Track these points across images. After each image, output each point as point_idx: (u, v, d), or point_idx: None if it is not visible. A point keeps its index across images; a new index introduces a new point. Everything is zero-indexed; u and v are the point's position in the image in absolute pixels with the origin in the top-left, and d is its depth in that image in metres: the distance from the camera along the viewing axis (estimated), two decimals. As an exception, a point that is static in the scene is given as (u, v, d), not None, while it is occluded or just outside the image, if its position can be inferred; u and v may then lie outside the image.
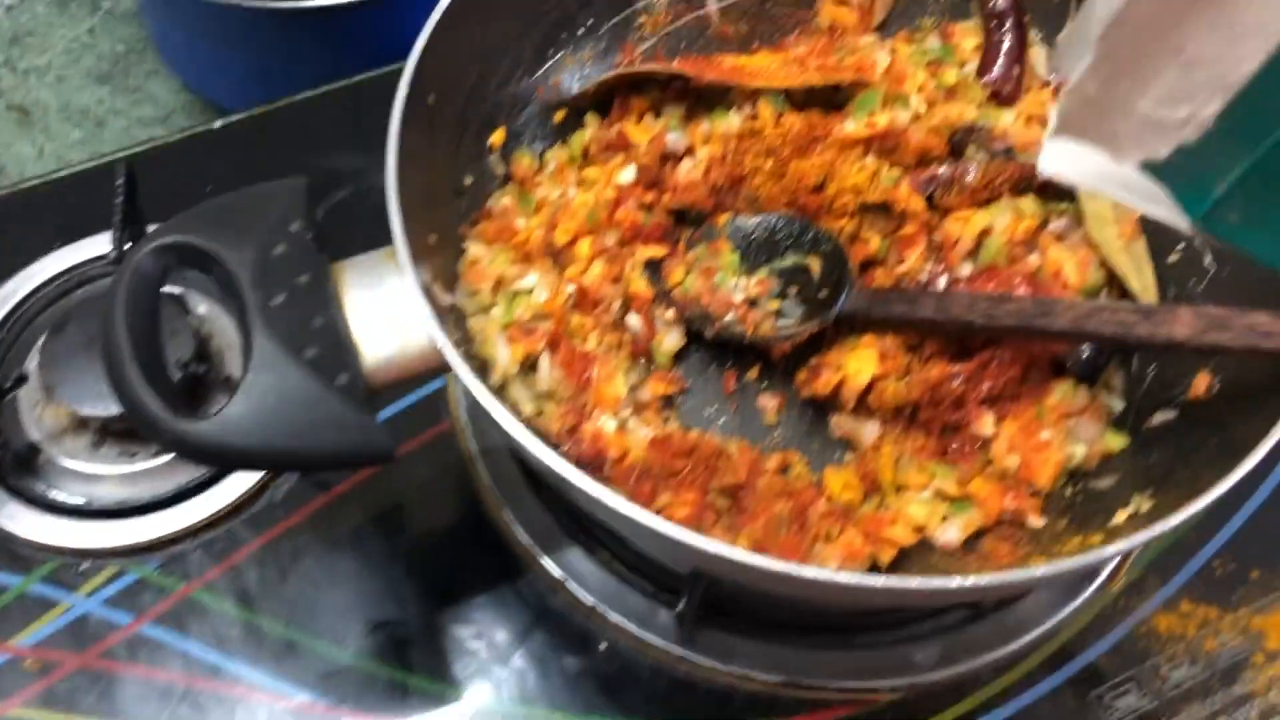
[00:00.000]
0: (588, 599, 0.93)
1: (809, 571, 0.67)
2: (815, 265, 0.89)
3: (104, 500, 0.95)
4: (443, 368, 0.75)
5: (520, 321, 0.86)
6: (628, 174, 0.94)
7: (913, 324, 0.85)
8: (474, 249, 0.89)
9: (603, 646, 0.92)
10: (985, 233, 0.89)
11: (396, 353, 0.75)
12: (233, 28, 1.30)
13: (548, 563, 0.94)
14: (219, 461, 0.69)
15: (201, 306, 1.01)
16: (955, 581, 0.68)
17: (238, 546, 0.95)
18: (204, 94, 1.43)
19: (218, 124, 1.16)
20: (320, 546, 0.96)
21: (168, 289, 0.99)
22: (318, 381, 0.70)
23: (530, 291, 0.87)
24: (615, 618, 0.92)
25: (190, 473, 0.95)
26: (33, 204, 1.12)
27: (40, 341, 0.97)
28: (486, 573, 0.95)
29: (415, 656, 0.92)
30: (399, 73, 0.83)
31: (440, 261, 0.85)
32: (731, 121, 0.94)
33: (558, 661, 0.92)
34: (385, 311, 0.75)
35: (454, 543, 0.97)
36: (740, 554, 0.67)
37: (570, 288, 0.88)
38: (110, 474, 0.95)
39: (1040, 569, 0.70)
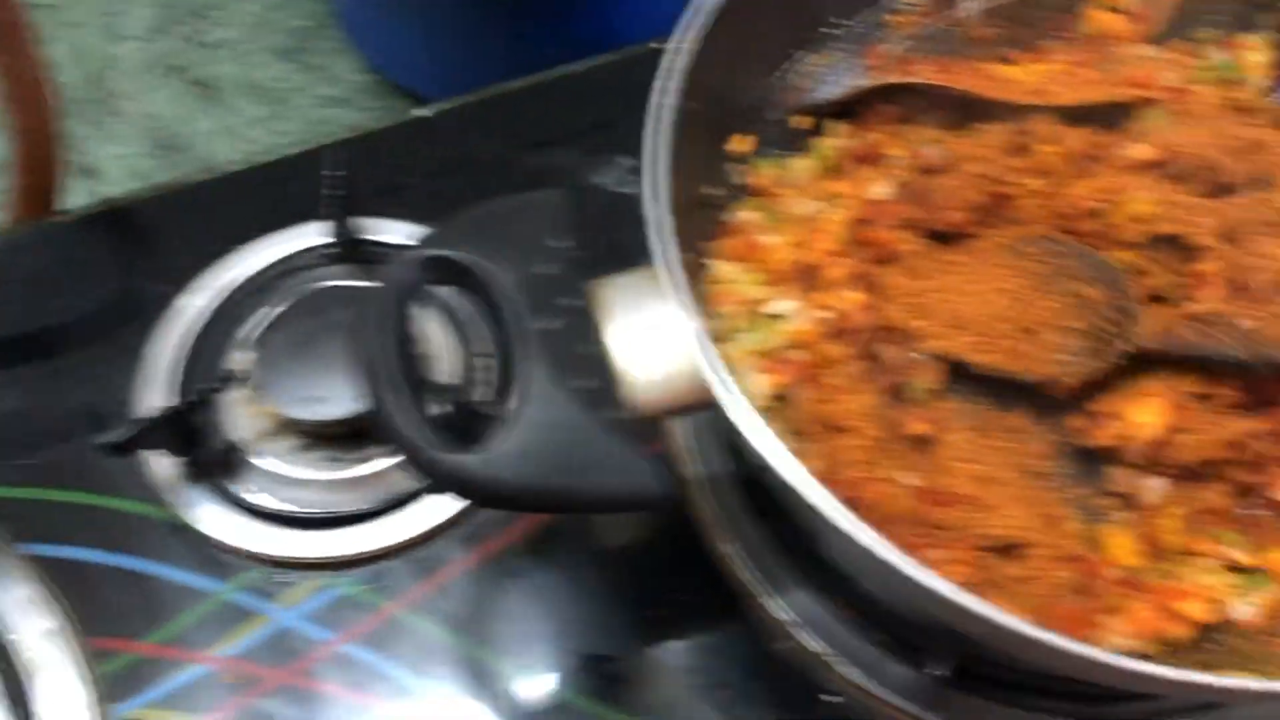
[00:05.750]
0: (815, 647, 0.86)
1: (1124, 663, 0.60)
2: (1095, 294, 0.80)
3: (307, 508, 0.91)
4: (708, 403, 0.68)
5: (773, 350, 0.79)
6: (879, 189, 0.87)
7: (1212, 363, 0.76)
8: (720, 267, 0.83)
9: (829, 701, 0.86)
10: (1298, 270, 0.80)
11: (659, 385, 0.69)
12: (425, 7, 1.25)
13: (772, 604, 0.87)
14: (491, 501, 0.64)
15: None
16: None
17: (445, 565, 0.90)
18: (388, 75, 1.39)
19: (427, 112, 1.10)
20: (529, 569, 0.91)
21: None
22: (591, 416, 0.64)
23: (784, 317, 0.80)
24: (845, 671, 0.85)
25: (399, 484, 0.90)
26: (232, 190, 1.08)
27: (246, 337, 0.93)
28: (704, 610, 0.89)
29: (627, 695, 0.87)
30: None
31: (691, 281, 0.79)
32: (999, 136, 0.86)
33: (779, 714, 0.86)
34: (648, 339, 0.69)
35: (673, 574, 0.90)
36: (1038, 633, 0.61)
37: (826, 314, 0.81)
38: (315, 480, 0.91)
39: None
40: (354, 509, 0.90)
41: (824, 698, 0.86)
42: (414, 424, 0.62)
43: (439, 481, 0.62)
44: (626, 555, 0.91)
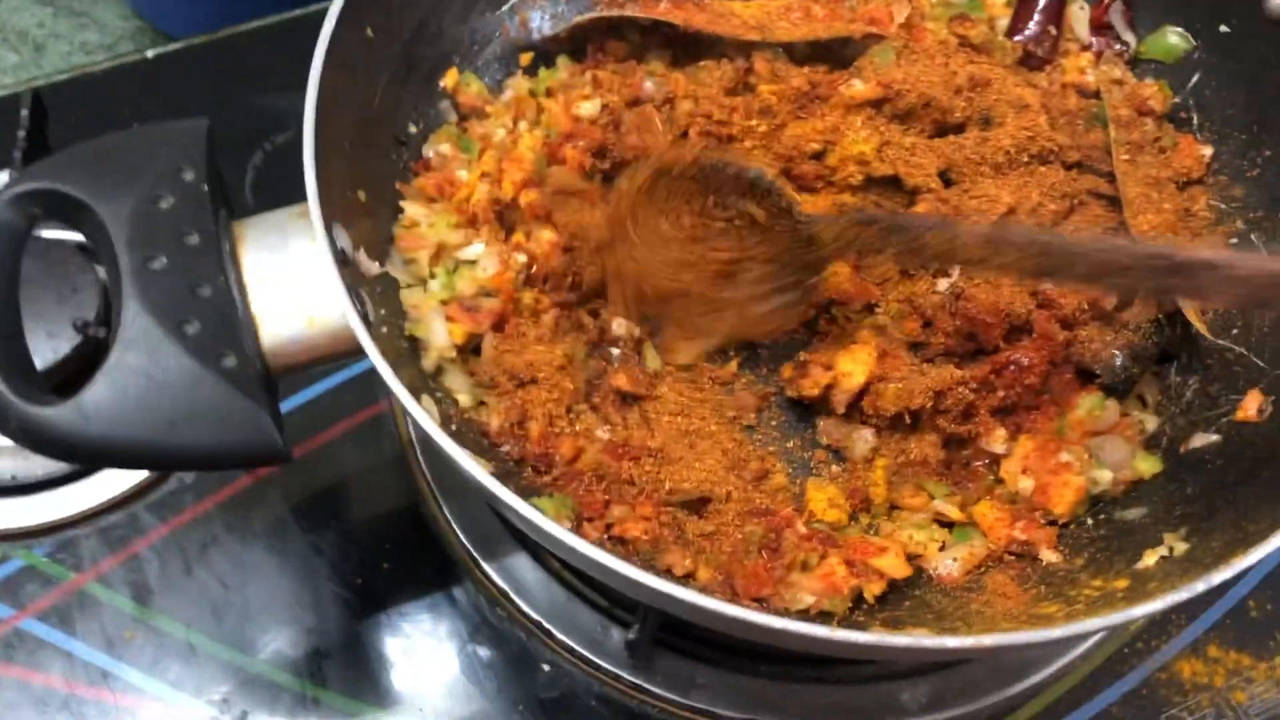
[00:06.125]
0: (532, 614, 0.82)
1: (777, 623, 0.56)
2: (758, 213, 0.76)
3: (-11, 475, 0.84)
4: (356, 351, 0.63)
5: (462, 297, 0.74)
6: (590, 107, 0.82)
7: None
8: (411, 209, 0.77)
9: (546, 669, 0.81)
10: (1010, 213, 0.77)
11: (302, 331, 0.63)
12: (183, -52, 1.17)
13: (490, 570, 0.83)
14: (72, 456, 0.57)
15: (113, 259, 0.89)
16: (950, 642, 0.57)
17: (139, 534, 0.84)
18: (153, 21, 1.30)
19: (151, 53, 1.03)
20: (233, 539, 0.84)
21: (79, 239, 0.88)
22: (198, 363, 0.58)
23: (476, 263, 0.75)
24: (562, 637, 0.81)
25: (88, 449, 0.84)
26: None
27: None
28: (420, 578, 0.84)
29: (332, 670, 0.81)
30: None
31: (370, 223, 0.73)
32: (720, 74, 0.82)
33: (495, 684, 0.81)
34: (292, 281, 0.63)
35: (385, 541, 0.85)
36: (695, 598, 0.56)
37: (521, 257, 0.76)
38: (-2, 445, 0.84)
39: (1058, 630, 0.58)
40: (40, 474, 0.83)
41: (545, 667, 0.81)
42: (-7, 372, 0.56)
43: (19, 435, 0.56)
44: (337, 521, 0.85)
